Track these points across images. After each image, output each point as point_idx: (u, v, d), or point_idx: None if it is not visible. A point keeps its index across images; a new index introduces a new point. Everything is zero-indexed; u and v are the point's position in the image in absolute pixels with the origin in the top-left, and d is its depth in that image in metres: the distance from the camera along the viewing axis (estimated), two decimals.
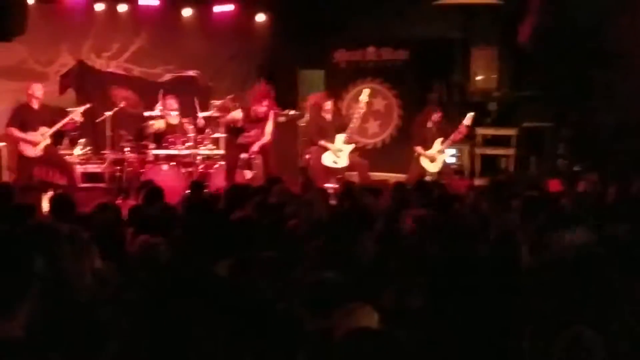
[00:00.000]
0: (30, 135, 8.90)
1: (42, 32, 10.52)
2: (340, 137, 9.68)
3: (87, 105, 9.49)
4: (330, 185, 8.87)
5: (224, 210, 5.63)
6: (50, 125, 9.02)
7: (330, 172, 9.68)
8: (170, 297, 2.59)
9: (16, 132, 8.90)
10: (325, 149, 9.67)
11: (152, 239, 3.99)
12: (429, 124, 9.93)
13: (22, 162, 9.01)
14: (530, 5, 10.65)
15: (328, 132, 9.73)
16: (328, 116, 9.84)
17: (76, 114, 9.20)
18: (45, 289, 2.00)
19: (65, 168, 9.39)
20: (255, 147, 9.35)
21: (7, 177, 9.36)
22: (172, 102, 9.70)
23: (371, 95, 10.29)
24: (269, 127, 9.43)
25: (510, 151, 11.09)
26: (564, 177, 9.28)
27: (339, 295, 3.00)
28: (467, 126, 9.78)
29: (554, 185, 8.47)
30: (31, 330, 1.97)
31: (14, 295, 1.92)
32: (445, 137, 9.79)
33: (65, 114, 9.25)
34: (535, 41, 10.57)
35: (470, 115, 9.73)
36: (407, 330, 2.79)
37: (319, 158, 9.71)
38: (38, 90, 9.06)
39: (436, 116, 9.97)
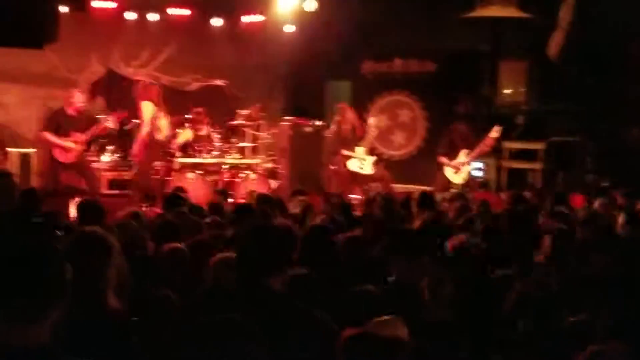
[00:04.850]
0: (65, 142, 8.97)
1: (73, 40, 10.60)
2: (360, 149, 9.84)
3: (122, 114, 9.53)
4: (354, 196, 8.87)
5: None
6: (83, 132, 9.11)
7: (356, 179, 9.77)
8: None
9: (51, 137, 8.99)
10: (349, 157, 9.82)
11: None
12: (455, 136, 9.90)
13: (53, 166, 9.09)
14: (559, 19, 10.59)
15: (350, 142, 9.96)
16: (347, 127, 9.96)
17: (110, 122, 9.27)
18: (74, 295, 2.01)
19: (91, 175, 9.45)
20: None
21: (35, 182, 9.45)
22: (201, 112, 9.78)
23: (397, 108, 10.29)
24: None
25: (538, 165, 10.99)
26: (590, 192, 9.12)
27: (374, 307, 3.03)
28: (494, 139, 9.73)
29: (578, 200, 8.33)
30: (58, 335, 1.98)
31: (46, 302, 1.93)
32: (471, 149, 9.74)
33: (95, 120, 9.33)
34: (565, 55, 10.49)
35: (497, 128, 9.67)
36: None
37: (345, 165, 9.86)
38: (79, 98, 9.15)
39: (462, 128, 9.94)
